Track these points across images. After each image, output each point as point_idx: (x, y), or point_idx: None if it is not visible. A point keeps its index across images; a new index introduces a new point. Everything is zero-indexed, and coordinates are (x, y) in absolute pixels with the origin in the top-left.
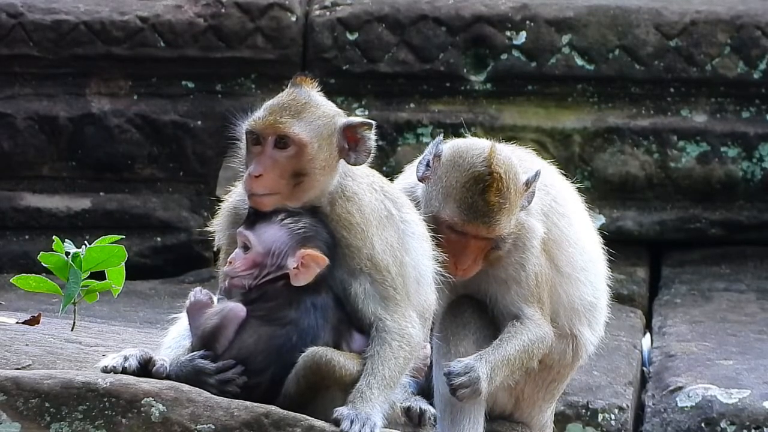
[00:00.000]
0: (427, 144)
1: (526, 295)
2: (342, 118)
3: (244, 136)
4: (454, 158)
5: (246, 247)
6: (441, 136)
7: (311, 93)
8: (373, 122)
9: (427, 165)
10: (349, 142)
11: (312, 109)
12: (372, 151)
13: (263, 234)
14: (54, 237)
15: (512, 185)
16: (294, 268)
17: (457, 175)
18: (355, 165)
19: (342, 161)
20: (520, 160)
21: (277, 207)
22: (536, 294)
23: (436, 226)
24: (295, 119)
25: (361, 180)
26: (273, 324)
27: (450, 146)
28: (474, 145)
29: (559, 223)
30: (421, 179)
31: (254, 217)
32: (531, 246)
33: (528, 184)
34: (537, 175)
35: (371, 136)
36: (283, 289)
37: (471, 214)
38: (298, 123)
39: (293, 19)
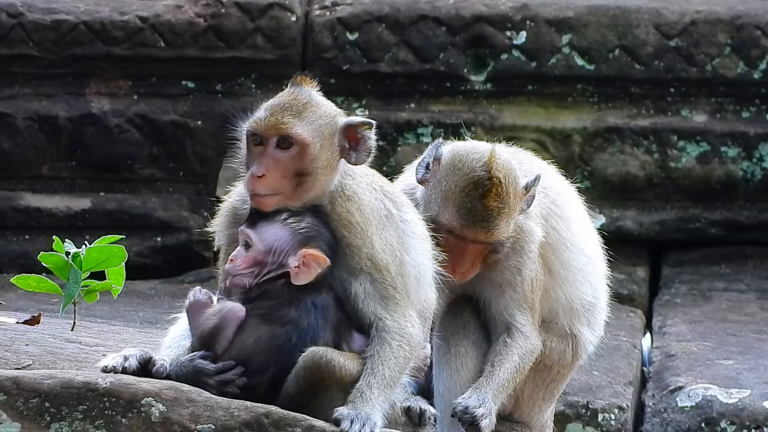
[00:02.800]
0: (428, 144)
1: (519, 300)
2: (343, 118)
3: (244, 137)
4: (453, 162)
5: (247, 245)
6: (441, 139)
7: (311, 93)
8: (374, 122)
9: (427, 168)
10: (350, 142)
11: (313, 109)
12: (372, 151)
13: (265, 232)
14: (54, 237)
15: (512, 190)
16: (295, 267)
17: (456, 179)
18: (355, 164)
19: (342, 161)
20: (520, 164)
21: (279, 207)
22: (530, 299)
23: (436, 231)
24: (297, 119)
25: (361, 179)
26: (273, 323)
27: (450, 149)
28: (474, 149)
29: (557, 226)
30: (420, 182)
31: (256, 215)
32: (529, 250)
33: (528, 188)
34: (537, 179)
35: (372, 136)
36: (283, 287)
37: (470, 219)
38: (300, 123)
39: (293, 19)
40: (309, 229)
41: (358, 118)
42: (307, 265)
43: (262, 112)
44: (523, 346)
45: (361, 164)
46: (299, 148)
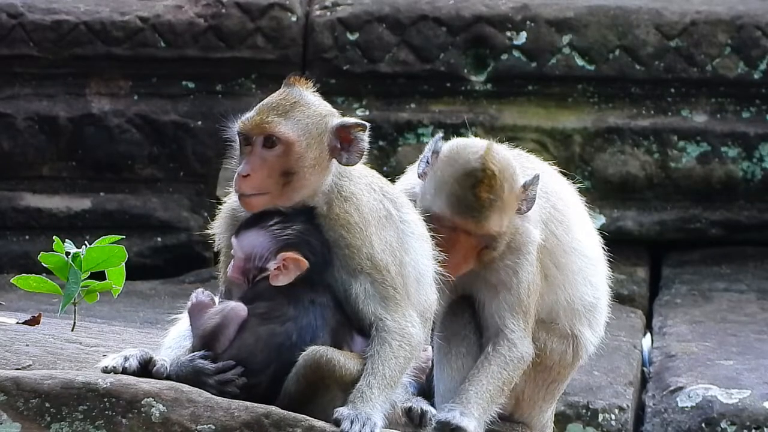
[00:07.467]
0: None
1: (513, 303)
2: (335, 118)
3: (236, 137)
4: (450, 154)
5: (233, 255)
6: (440, 134)
7: (303, 92)
8: (368, 124)
9: (427, 162)
10: (342, 143)
11: (301, 108)
12: (365, 153)
13: (243, 240)
14: (54, 237)
15: (506, 184)
16: (275, 269)
17: (451, 170)
18: (347, 165)
19: (335, 161)
20: (521, 165)
21: (269, 208)
22: (524, 304)
23: (429, 221)
24: (282, 118)
25: (359, 180)
26: (272, 322)
27: (449, 144)
28: (472, 144)
29: (557, 231)
30: (420, 176)
31: (245, 223)
32: (527, 252)
33: (526, 187)
34: (535, 179)
35: (365, 138)
36: (280, 287)
37: (460, 208)
38: (285, 122)
39: (293, 19)
40: (292, 237)
41: (351, 119)
42: (286, 267)
43: (251, 112)
44: (506, 356)
45: (353, 165)
46: (284, 147)
